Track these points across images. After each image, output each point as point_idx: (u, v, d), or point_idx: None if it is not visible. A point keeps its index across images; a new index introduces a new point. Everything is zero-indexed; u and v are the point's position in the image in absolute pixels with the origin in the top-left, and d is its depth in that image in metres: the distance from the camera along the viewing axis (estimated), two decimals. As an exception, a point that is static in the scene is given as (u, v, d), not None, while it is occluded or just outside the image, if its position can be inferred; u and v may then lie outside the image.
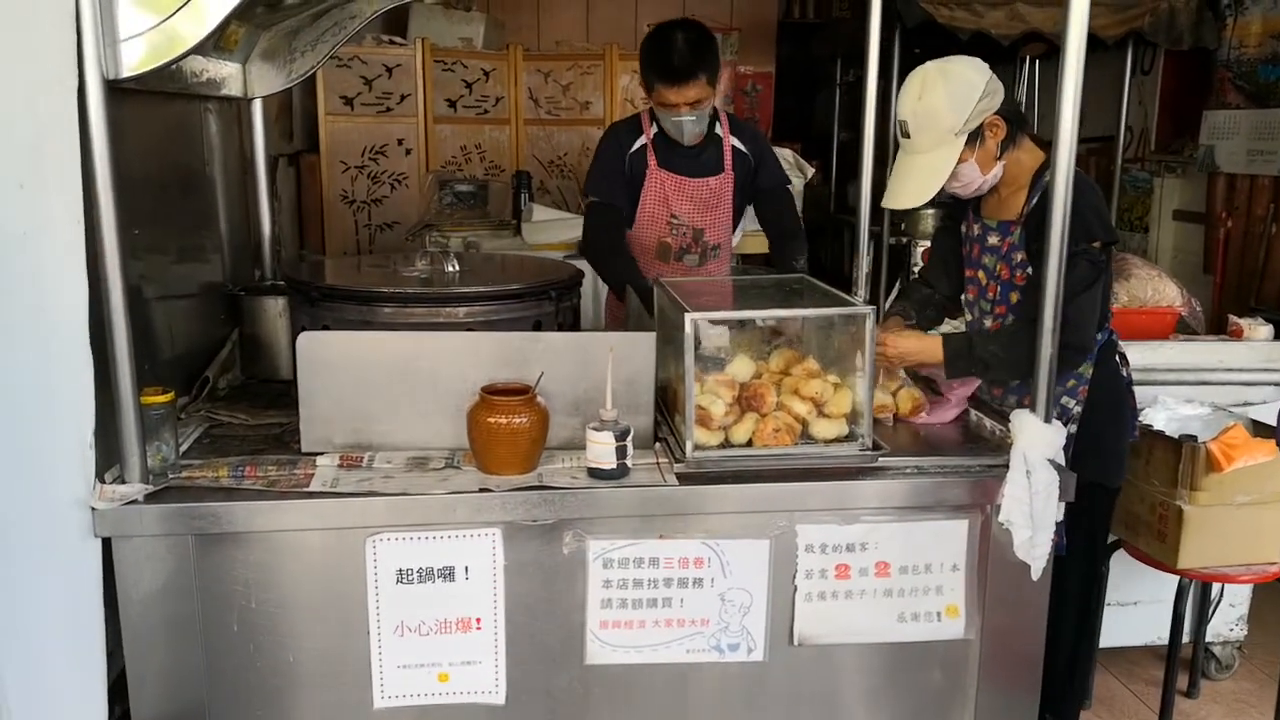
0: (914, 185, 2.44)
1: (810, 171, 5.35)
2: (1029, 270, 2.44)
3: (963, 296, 2.72)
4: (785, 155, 5.25)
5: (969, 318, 2.71)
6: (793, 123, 8.03)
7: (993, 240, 2.55)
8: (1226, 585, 3.23)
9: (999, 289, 2.54)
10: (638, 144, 3.23)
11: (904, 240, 5.87)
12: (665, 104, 3.06)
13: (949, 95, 2.36)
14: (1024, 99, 6.61)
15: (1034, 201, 2.43)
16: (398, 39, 5.70)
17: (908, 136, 2.43)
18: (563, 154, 6.02)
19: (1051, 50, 5.94)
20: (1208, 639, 3.38)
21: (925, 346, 2.42)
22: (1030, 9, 5.51)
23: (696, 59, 3.00)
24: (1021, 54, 6.32)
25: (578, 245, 4.25)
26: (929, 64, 2.44)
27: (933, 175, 2.41)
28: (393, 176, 5.68)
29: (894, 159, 2.55)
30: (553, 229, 4.77)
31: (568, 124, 5.98)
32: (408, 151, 5.68)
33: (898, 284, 5.65)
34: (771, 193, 3.36)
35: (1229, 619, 3.39)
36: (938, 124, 2.38)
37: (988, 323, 2.59)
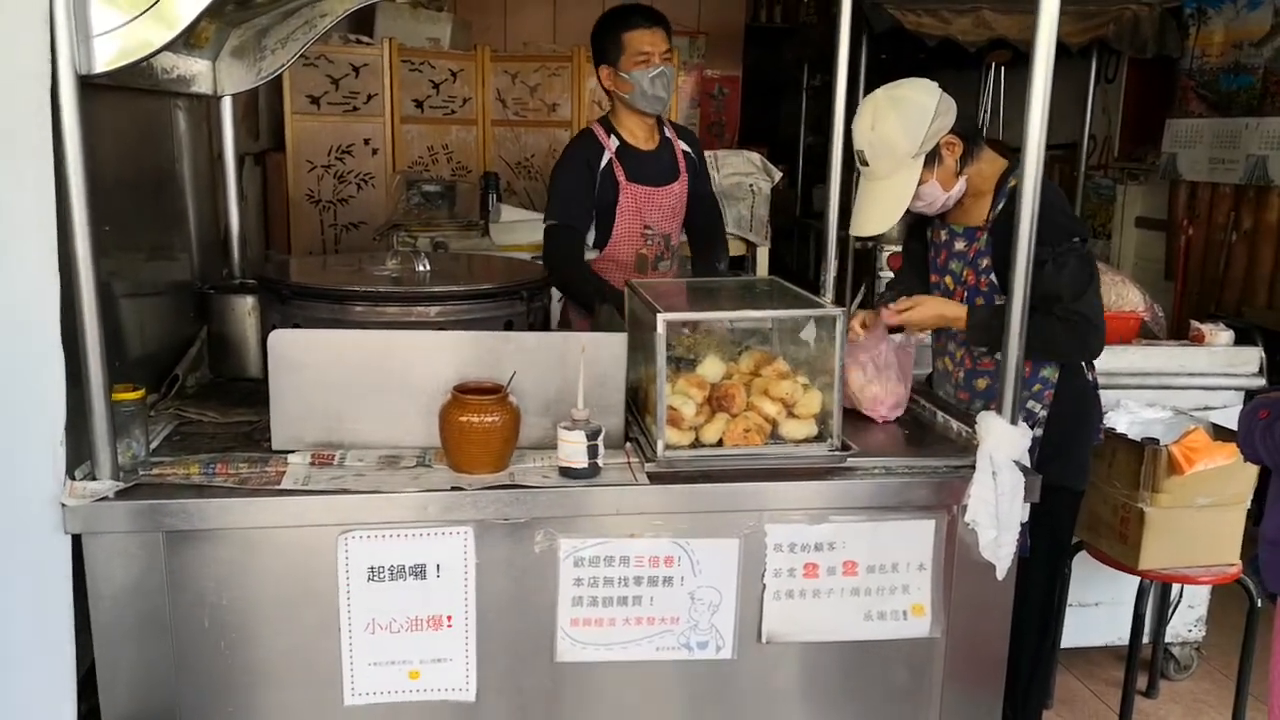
0: (878, 211, 2.47)
1: (777, 175, 5.37)
2: (993, 277, 2.48)
3: None
4: (753, 158, 5.30)
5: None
6: (760, 126, 8.08)
7: (959, 246, 2.58)
8: (1185, 587, 3.29)
9: (965, 294, 2.57)
10: (604, 161, 3.18)
11: (870, 244, 5.92)
12: (642, 55, 3.09)
13: (901, 122, 2.39)
14: (989, 105, 6.68)
15: (999, 207, 2.46)
16: (365, 38, 5.67)
17: (866, 165, 2.46)
18: (530, 155, 6.01)
19: (1017, 57, 6.01)
20: (1167, 640, 3.44)
21: (947, 311, 2.46)
22: (997, 16, 5.57)
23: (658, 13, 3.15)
24: (987, 60, 6.39)
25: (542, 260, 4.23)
26: (878, 92, 2.46)
27: (895, 200, 2.44)
28: (359, 176, 5.64)
29: (856, 185, 2.57)
30: (521, 230, 4.77)
31: (535, 125, 5.98)
32: (374, 151, 5.65)
33: (861, 289, 5.68)
34: (707, 199, 3.46)
35: (1188, 620, 3.45)
36: (894, 151, 2.41)
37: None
